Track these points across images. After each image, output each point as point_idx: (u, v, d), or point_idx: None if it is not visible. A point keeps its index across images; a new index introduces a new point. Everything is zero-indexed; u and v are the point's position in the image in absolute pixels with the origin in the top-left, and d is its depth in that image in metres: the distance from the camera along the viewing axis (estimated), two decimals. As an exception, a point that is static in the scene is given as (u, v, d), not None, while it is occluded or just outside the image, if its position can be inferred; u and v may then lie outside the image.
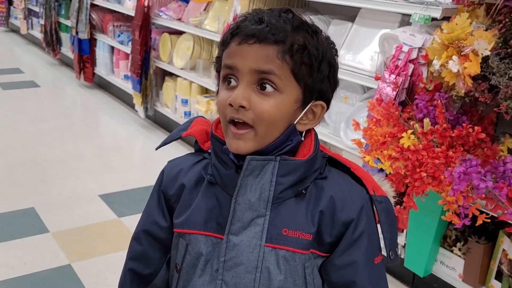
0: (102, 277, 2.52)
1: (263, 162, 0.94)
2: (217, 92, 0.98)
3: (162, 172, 1.08)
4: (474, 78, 1.81)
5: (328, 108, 0.99)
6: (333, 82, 0.97)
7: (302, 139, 0.97)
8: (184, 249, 1.00)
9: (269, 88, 0.91)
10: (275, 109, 0.91)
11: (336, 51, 0.99)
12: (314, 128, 1.01)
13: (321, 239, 0.97)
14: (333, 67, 0.97)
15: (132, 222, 3.03)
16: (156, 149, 1.10)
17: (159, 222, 1.05)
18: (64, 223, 3.01)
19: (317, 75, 0.93)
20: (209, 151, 1.02)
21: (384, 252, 1.01)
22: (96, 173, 3.74)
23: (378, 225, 1.01)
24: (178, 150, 3.39)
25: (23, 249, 2.74)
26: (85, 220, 3.06)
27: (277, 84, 0.91)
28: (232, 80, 0.93)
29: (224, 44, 0.95)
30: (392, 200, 1.07)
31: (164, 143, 1.07)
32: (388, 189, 1.07)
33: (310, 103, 0.96)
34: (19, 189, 3.42)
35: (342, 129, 2.64)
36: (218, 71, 0.98)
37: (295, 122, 0.95)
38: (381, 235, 1.01)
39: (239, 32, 0.92)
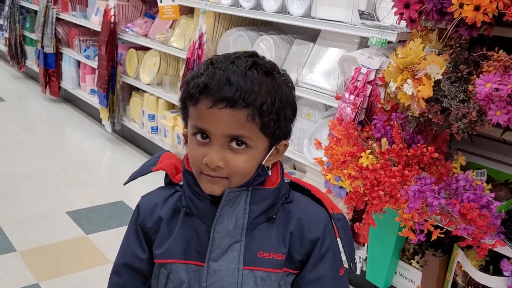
0: (70, 296, 2.53)
1: (237, 193, 1.02)
2: (186, 136, 1.04)
3: (138, 207, 1.13)
4: (428, 100, 1.91)
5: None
6: (294, 119, 1.05)
7: (270, 174, 1.06)
8: (165, 278, 1.07)
9: (240, 145, 0.98)
10: (247, 163, 0.99)
11: (293, 86, 1.06)
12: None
13: (291, 258, 1.06)
14: (295, 107, 1.04)
15: (99, 239, 3.04)
16: (125, 184, 1.15)
17: (138, 254, 1.10)
18: (31, 241, 3.00)
19: (283, 123, 1.01)
20: (181, 183, 1.09)
21: (346, 264, 1.12)
22: (62, 189, 3.72)
23: (338, 240, 1.11)
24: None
25: (-11, 269, 2.73)
26: (53, 237, 3.05)
27: (248, 143, 0.98)
28: (204, 136, 0.98)
29: (191, 99, 0.98)
30: (347, 216, 1.18)
31: (133, 178, 1.13)
32: (342, 207, 1.18)
33: (275, 145, 1.04)
34: (-17, 207, 3.38)
35: (305, 145, 2.72)
36: (184, 118, 1.03)
37: (263, 163, 1.03)
38: (341, 249, 1.11)
39: (208, 94, 0.94)
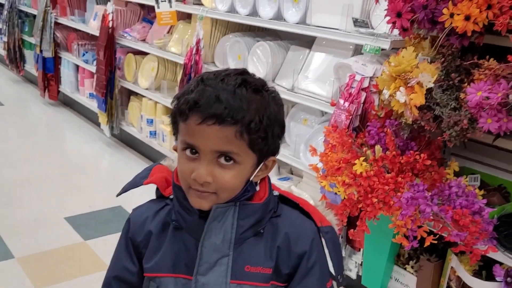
0: (68, 302, 2.55)
1: (225, 208, 1.04)
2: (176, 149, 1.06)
3: (129, 220, 1.15)
4: (420, 108, 1.93)
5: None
6: (282, 136, 1.07)
7: (258, 189, 1.08)
8: None
9: (229, 161, 1.00)
10: (235, 179, 1.01)
11: (282, 103, 1.08)
12: None
13: (279, 271, 1.08)
14: (283, 125, 1.07)
15: (98, 245, 3.06)
16: (117, 195, 1.17)
17: (129, 268, 1.13)
18: (30, 247, 3.02)
19: (271, 140, 1.03)
20: (171, 197, 1.11)
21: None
22: (61, 194, 3.75)
23: (327, 252, 1.13)
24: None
25: (-12, 276, 2.75)
26: (51, 244, 3.07)
27: (236, 159, 1.00)
28: (193, 151, 1.00)
29: (181, 115, 1.00)
30: (336, 228, 1.20)
31: (125, 190, 1.15)
32: (332, 218, 1.20)
33: (264, 161, 1.06)
34: (-17, 213, 3.41)
35: (301, 150, 2.74)
36: (174, 134, 1.05)
37: (251, 179, 1.05)
38: (330, 262, 1.13)
39: (198, 110, 0.97)
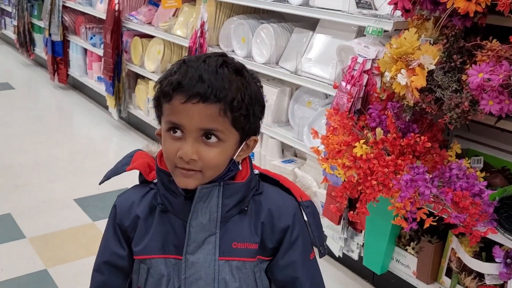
0: (77, 281, 2.61)
1: (210, 189, 1.06)
2: (160, 133, 1.08)
3: (115, 207, 1.18)
4: (421, 90, 1.93)
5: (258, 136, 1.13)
6: (262, 116, 1.11)
7: (240, 168, 1.11)
8: (145, 273, 1.12)
9: (213, 139, 1.02)
10: (219, 156, 1.04)
11: (261, 84, 1.12)
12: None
13: (264, 246, 1.12)
14: (263, 105, 1.10)
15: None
16: (100, 183, 1.20)
17: (118, 252, 1.16)
18: (40, 228, 3.09)
19: (252, 119, 1.06)
20: (155, 181, 1.13)
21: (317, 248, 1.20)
22: (70, 176, 3.81)
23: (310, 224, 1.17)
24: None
25: (0, 255, 2.81)
26: (61, 224, 3.13)
27: (220, 136, 1.03)
28: (177, 131, 1.03)
29: (165, 96, 1.03)
30: (316, 202, 1.24)
31: (107, 177, 1.18)
32: (311, 192, 1.24)
33: (246, 140, 1.09)
34: (-6, 194, 3.48)
35: (305, 133, 2.75)
36: (158, 116, 1.08)
37: (234, 157, 1.08)
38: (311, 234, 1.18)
39: (182, 90, 1.00)
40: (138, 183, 1.20)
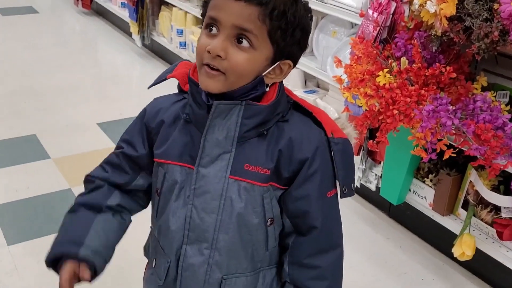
0: (100, 200, 2.70)
1: (230, 106, 1.05)
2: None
3: (145, 109, 1.20)
4: (451, 19, 1.87)
5: (294, 66, 1.10)
6: (303, 46, 1.08)
7: (267, 89, 1.08)
8: (162, 177, 1.15)
9: (245, 43, 1.00)
10: (247, 62, 1.02)
11: (312, 18, 1.09)
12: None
13: (279, 174, 1.10)
14: (306, 34, 1.07)
15: (128, 150, 3.18)
16: (148, 88, 1.21)
17: (137, 147, 1.18)
18: (64, 149, 3.17)
19: (290, 39, 1.03)
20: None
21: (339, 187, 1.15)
22: (93, 101, 3.86)
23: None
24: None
25: (26, 173, 2.91)
26: (84, 147, 3.21)
27: (253, 41, 1.00)
28: (213, 28, 1.02)
29: None
30: (353, 141, 1.20)
31: (154, 83, 1.18)
32: (350, 131, 1.20)
33: (279, 61, 1.06)
34: (20, 116, 3.55)
35: (329, 63, 2.71)
36: (202, 15, 1.07)
37: (263, 75, 1.05)
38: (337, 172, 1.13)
39: None
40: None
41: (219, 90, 1.04)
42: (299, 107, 1.15)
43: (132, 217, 1.24)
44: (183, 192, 1.12)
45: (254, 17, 0.98)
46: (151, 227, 1.25)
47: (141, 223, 1.32)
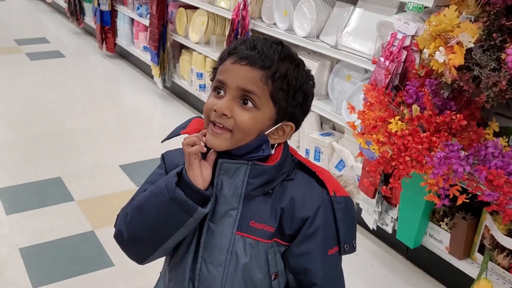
0: (122, 243, 2.77)
1: (236, 165, 1.13)
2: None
3: (163, 158, 1.27)
4: (459, 68, 1.93)
5: (297, 129, 1.18)
6: (305, 109, 1.16)
7: (272, 152, 1.15)
8: None
9: (249, 104, 1.10)
10: (251, 121, 1.10)
11: (314, 84, 1.18)
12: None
13: (283, 231, 1.16)
14: (307, 97, 1.15)
15: (149, 192, 3.26)
16: (162, 141, 1.28)
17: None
18: (88, 192, 3.26)
19: (292, 101, 1.12)
20: None
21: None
22: (116, 143, 3.97)
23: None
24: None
25: (51, 216, 3.00)
26: (107, 189, 3.30)
27: (257, 102, 1.09)
28: (221, 91, 1.11)
29: (221, 60, 1.14)
30: (355, 199, 1.26)
31: (167, 138, 1.26)
32: (352, 189, 1.26)
33: (281, 122, 1.14)
34: (46, 159, 3.68)
35: (343, 107, 2.78)
36: (212, 80, 1.17)
37: (266, 133, 1.13)
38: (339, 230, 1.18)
39: (235, 53, 1.10)
40: None
41: (224, 148, 1.12)
42: (303, 167, 1.21)
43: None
44: (193, 245, 1.18)
45: (257, 79, 1.08)
46: (161, 272, 1.31)
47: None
